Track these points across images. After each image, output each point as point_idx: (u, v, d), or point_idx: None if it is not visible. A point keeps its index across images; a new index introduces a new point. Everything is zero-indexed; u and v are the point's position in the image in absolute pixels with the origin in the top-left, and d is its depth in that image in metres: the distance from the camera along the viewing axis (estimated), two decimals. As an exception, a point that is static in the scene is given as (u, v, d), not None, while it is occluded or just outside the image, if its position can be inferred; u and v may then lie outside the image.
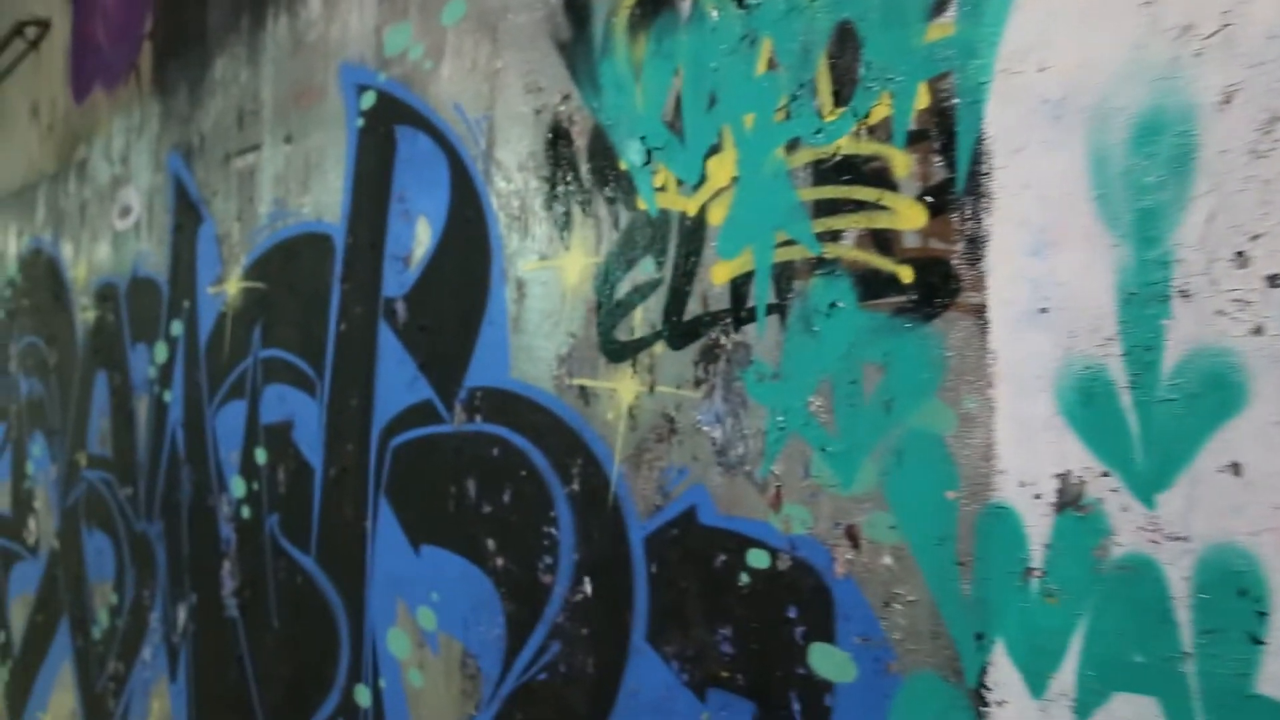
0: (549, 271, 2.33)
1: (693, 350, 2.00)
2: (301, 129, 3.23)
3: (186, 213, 3.89)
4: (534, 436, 2.35)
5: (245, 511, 3.45)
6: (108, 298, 4.52)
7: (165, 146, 4.06)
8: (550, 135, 2.35)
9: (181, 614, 3.82)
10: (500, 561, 2.43)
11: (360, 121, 2.97)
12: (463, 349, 2.56)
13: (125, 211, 4.36)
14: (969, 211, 1.59)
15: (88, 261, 4.72)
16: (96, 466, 4.56)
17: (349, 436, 2.96)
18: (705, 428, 1.97)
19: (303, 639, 3.14)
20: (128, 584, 4.24)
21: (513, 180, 2.44)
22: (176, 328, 3.93)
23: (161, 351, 4.03)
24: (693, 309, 2.00)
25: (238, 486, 3.49)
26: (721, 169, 1.96)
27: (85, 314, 4.74)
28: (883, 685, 1.66)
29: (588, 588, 2.20)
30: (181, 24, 3.97)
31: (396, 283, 2.80)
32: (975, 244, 1.58)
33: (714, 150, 1.97)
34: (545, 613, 2.30)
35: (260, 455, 3.37)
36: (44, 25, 5.11)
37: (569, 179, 2.30)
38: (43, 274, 5.23)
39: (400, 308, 2.78)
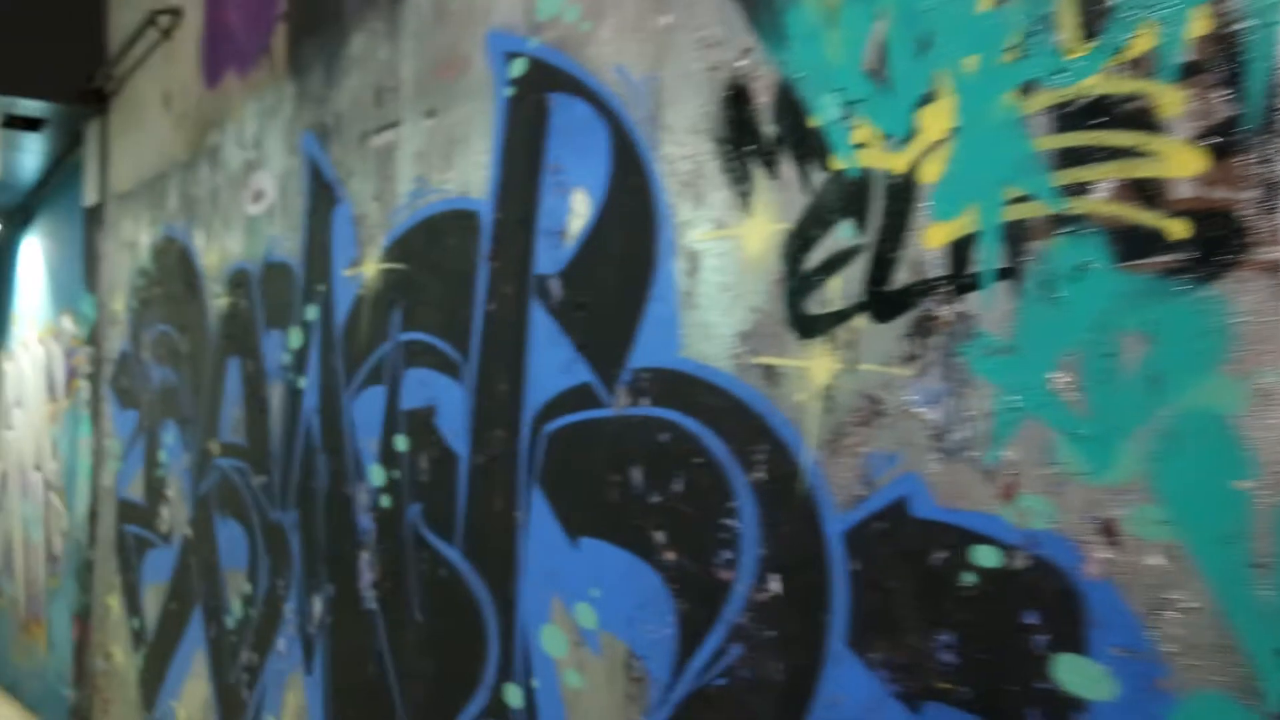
0: (727, 241, 2.14)
1: (902, 323, 1.79)
2: (444, 102, 3.10)
3: (321, 195, 3.80)
4: (710, 420, 2.17)
5: (385, 501, 3.33)
6: (240, 284, 4.47)
7: (299, 128, 3.98)
8: (728, 94, 2.16)
9: (317, 605, 3.74)
10: (671, 556, 2.25)
11: (509, 91, 2.81)
12: (626, 328, 2.39)
13: (258, 196, 4.30)
14: (1263, 153, 1.35)
15: (220, 248, 4.68)
16: (229, 455, 4.52)
17: (498, 422, 2.81)
18: (918, 409, 1.76)
19: (447, 634, 3.01)
20: (261, 573, 4.18)
21: (683, 145, 2.26)
22: (311, 313, 3.84)
23: (295, 337, 3.95)
24: (901, 277, 1.80)
25: (376, 475, 3.38)
26: (937, 120, 1.75)
27: (217, 301, 4.70)
28: (1152, 705, 1.43)
29: (775, 585, 2.01)
30: (316, 3, 3.88)
31: (550, 259, 2.64)
32: (1272, 190, 1.34)
33: (927, 100, 1.76)
34: (724, 612, 2.11)
35: (401, 443, 3.25)
36: (176, 13, 5.10)
37: (750, 140, 2.10)
38: (175, 262, 5.23)
39: (554, 285, 2.62)
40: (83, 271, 6.58)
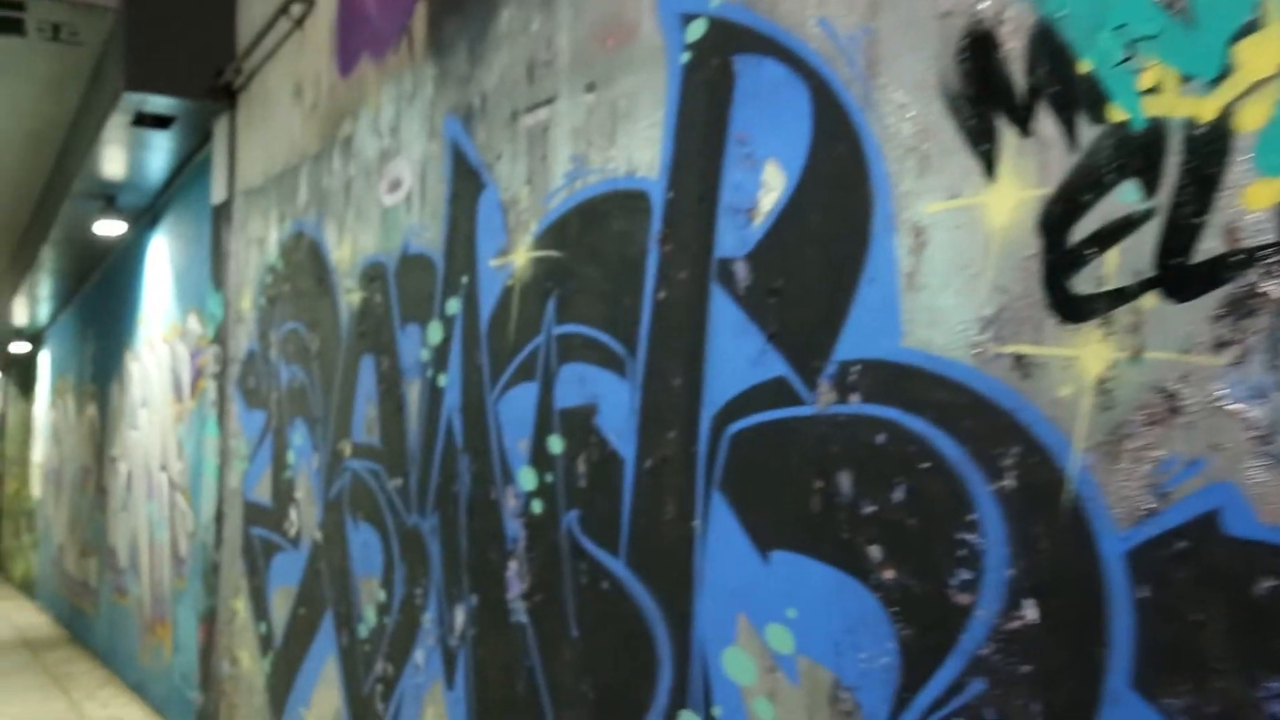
0: (964, 213, 1.85)
1: (1210, 302, 1.48)
2: (607, 74, 2.86)
3: (465, 180, 3.60)
4: (940, 419, 1.88)
5: (536, 506, 3.10)
6: (375, 278, 4.30)
7: (441, 111, 3.78)
8: (966, 43, 1.87)
9: (459, 616, 3.53)
10: (889, 574, 1.96)
11: (686, 56, 2.56)
12: (832, 315, 2.11)
13: (394, 185, 4.12)
14: None
15: (352, 241, 4.52)
16: (362, 456, 4.35)
17: (671, 422, 2.56)
18: (1235, 406, 1.45)
19: (610, 653, 2.76)
20: (397, 581, 4.00)
21: (906, 105, 1.97)
22: (453, 306, 3.64)
23: (436, 332, 3.75)
24: (1209, 246, 1.49)
25: (527, 478, 3.15)
26: (1262, 55, 1.44)
27: (350, 296, 4.54)
28: None
29: (1030, 612, 1.71)
30: (458, -20, 3.68)
31: (736, 240, 2.37)
32: None
33: (1248, 30, 1.45)
34: (961, 641, 1.82)
35: (555, 444, 3.01)
36: (310, 1, 4.97)
37: (995, 95, 1.81)
38: (305, 258, 5.10)
39: (741, 269, 2.35)
40: (210, 270, 6.52)
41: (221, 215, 6.35)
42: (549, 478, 3.04)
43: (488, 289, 3.43)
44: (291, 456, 5.20)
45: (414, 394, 3.91)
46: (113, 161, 7.41)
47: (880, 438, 1.99)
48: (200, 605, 6.46)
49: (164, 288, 8.09)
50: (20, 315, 14.31)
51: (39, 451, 15.36)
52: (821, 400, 2.13)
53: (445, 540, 3.64)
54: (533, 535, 3.12)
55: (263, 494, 5.58)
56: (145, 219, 8.61)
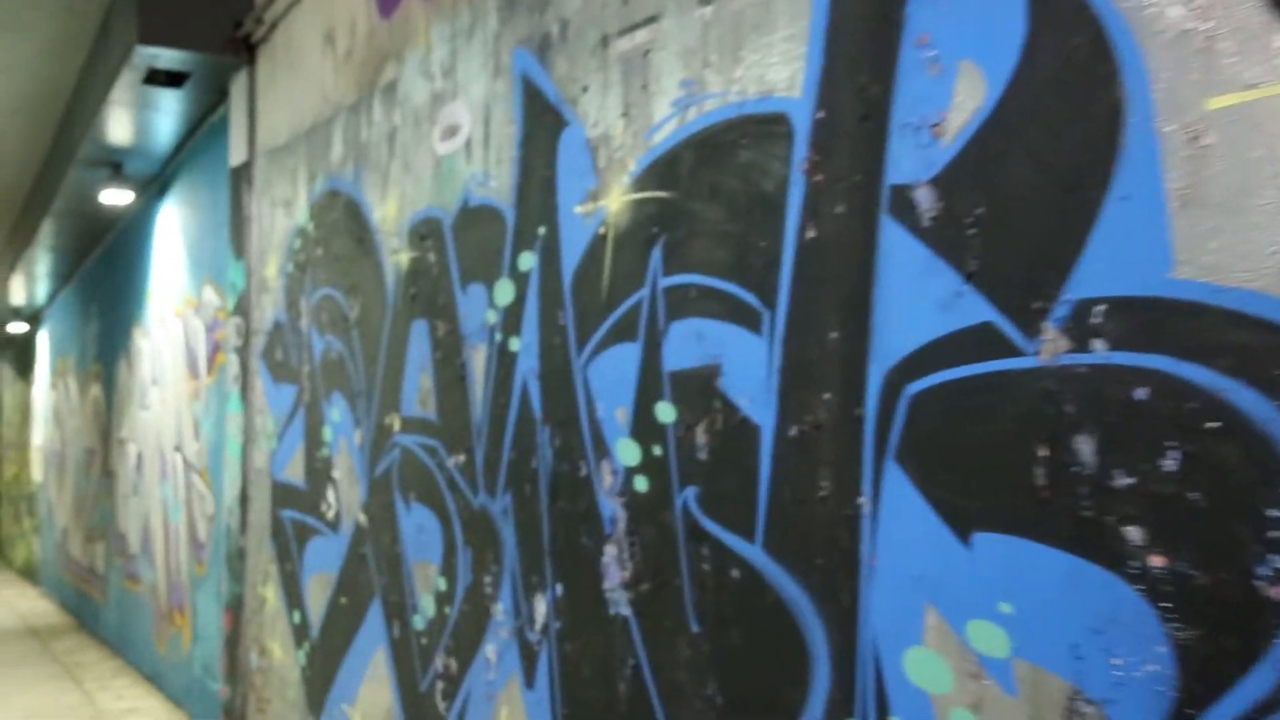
0: (1268, 105, 1.46)
1: None
2: (729, -18, 2.46)
3: (540, 119, 3.20)
4: (1238, 368, 1.49)
5: (640, 483, 2.72)
6: (427, 235, 3.90)
7: (508, 45, 3.38)
8: (1271, -113, 1.48)
9: (541, 607, 3.15)
10: (1158, 561, 1.58)
11: (841, -51, 2.16)
12: (1061, 244, 1.73)
13: (450, 131, 3.72)
14: None
15: (399, 196, 4.12)
16: (414, 430, 3.96)
17: (825, 382, 2.17)
18: None
19: (744, 651, 2.39)
20: (460, 567, 3.62)
21: (1174, -24, 1.58)
22: (527, 261, 3.25)
23: (505, 291, 3.36)
24: None
25: (628, 452, 2.77)
26: None
27: (396, 257, 4.15)
28: None
29: (1390, 611, 1.33)
30: (527, -106, 3.27)
31: (916, 163, 1.99)
32: None
33: None
34: (1274, 648, 1.45)
35: (665, 412, 2.63)
36: (342, -64, 4.56)
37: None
38: (340, 218, 4.70)
39: (924, 197, 1.97)
40: (229, 238, 6.12)
41: (241, 178, 5.94)
42: (657, 450, 2.66)
43: (571, 240, 3.04)
44: (328, 433, 4.81)
45: (479, 361, 3.52)
46: (120, 125, 6.98)
47: (1140, 392, 1.61)
48: (224, 593, 6.08)
49: (175, 259, 7.68)
50: (17, 294, 13.87)
51: (39, 434, 14.95)
52: (1047, 349, 1.75)
53: (521, 523, 3.26)
54: (636, 516, 2.74)
55: (294, 474, 5.20)
56: (153, 188, 8.19)
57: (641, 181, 2.74)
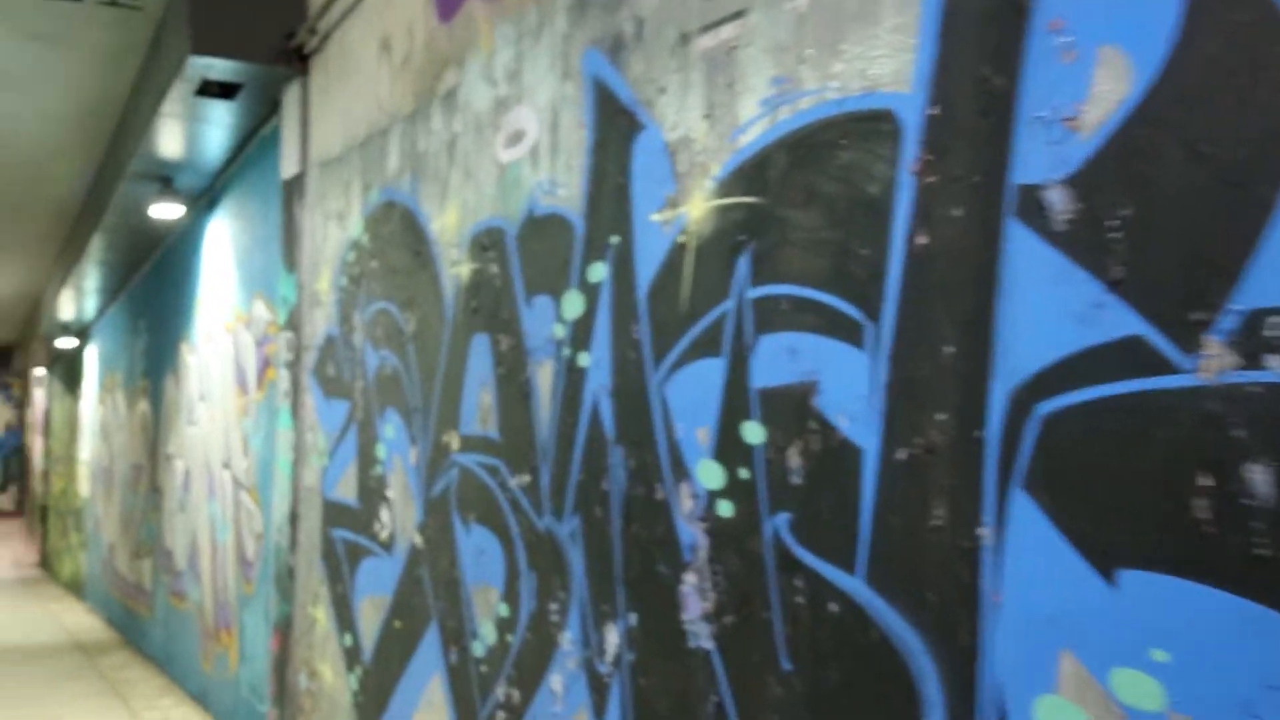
0: None
1: None
2: (826, -28, 2.29)
3: (613, 123, 3.05)
4: None
5: (724, 508, 2.55)
6: (489, 246, 3.76)
7: (578, 46, 3.23)
8: None
9: (612, 637, 2.98)
10: (1353, 607, 1.39)
11: (957, -69, 1.99)
12: (1228, 246, 1.54)
13: (515, 138, 3.58)
14: None
15: (459, 207, 3.99)
16: (475, 449, 3.81)
17: (937, 401, 1.99)
18: None
19: (843, 691, 2.20)
20: (524, 593, 3.46)
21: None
22: (598, 272, 3.09)
23: (574, 304, 3.21)
24: None
25: (710, 474, 2.60)
26: None
27: (456, 269, 4.01)
28: None
29: None
30: (599, -111, 3.13)
31: (1048, 160, 1.81)
32: None
33: None
34: None
35: (753, 432, 2.46)
36: (400, -60, 4.45)
37: None
38: (396, 230, 4.57)
39: (1057, 197, 1.78)
40: (280, 251, 6.02)
41: (293, 191, 5.84)
42: (743, 473, 2.49)
43: (647, 249, 2.88)
44: (381, 451, 4.67)
45: (544, 377, 3.37)
46: (171, 138, 6.93)
47: (1329, 415, 1.42)
48: (273, 613, 5.96)
49: (225, 274, 7.61)
50: (66, 309, 13.93)
51: (86, 449, 15.00)
52: (1210, 366, 1.56)
53: (591, 547, 3.10)
54: (720, 543, 2.57)
55: (346, 492, 5.07)
56: (203, 202, 8.13)
57: (727, 186, 2.58)
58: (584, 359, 3.16)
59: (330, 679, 5.22)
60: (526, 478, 3.47)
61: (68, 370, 17.57)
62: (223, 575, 7.38)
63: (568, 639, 3.21)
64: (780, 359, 2.39)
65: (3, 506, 28.22)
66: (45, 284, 14.47)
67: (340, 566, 5.12)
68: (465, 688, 3.83)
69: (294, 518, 5.75)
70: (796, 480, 2.33)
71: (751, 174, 2.50)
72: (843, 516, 2.20)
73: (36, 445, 22.45)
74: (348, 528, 5.03)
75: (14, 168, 8.90)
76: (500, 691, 3.59)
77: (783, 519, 2.37)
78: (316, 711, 5.38)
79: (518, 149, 3.57)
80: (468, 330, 3.90)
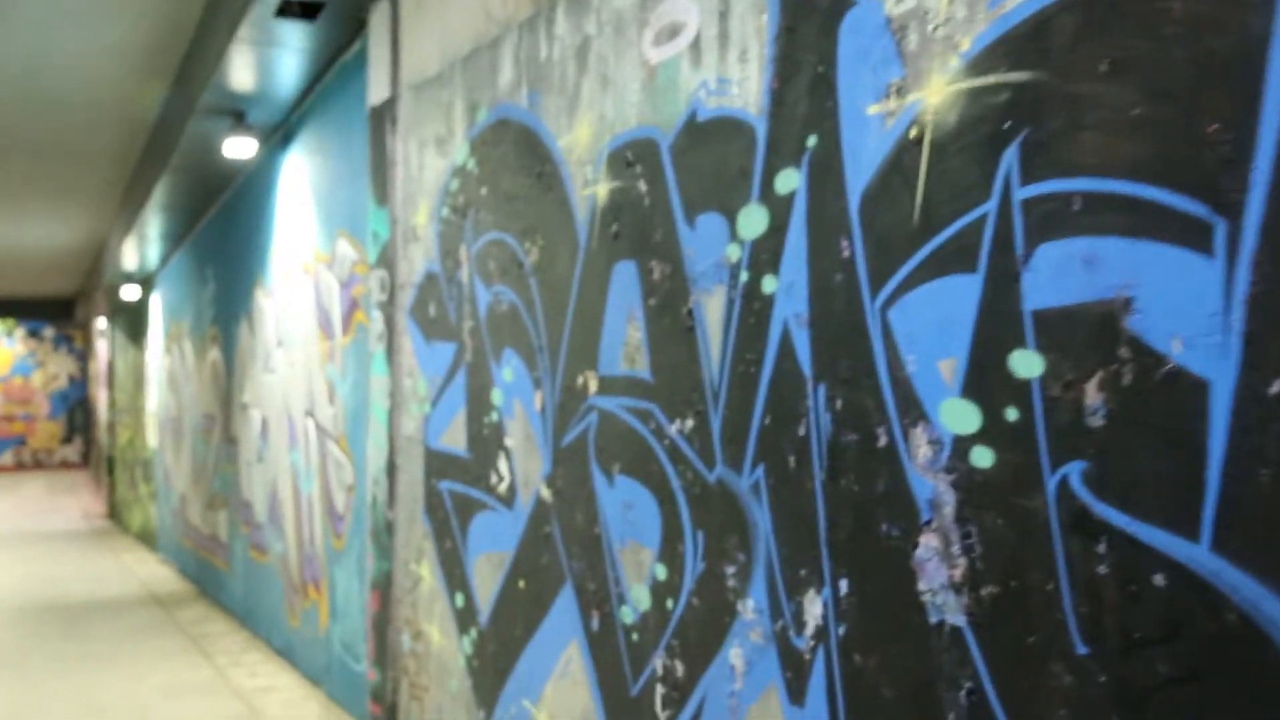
0: None
1: None
2: None
3: (808, 2, 2.57)
4: None
5: (981, 456, 2.10)
6: (635, 161, 3.30)
7: (757, -85, 2.74)
8: None
9: (813, 607, 2.55)
10: None
11: None
12: None
13: (669, 33, 3.11)
14: None
15: (594, 119, 3.53)
16: (618, 391, 3.39)
17: (1342, 316, 1.52)
18: None
19: (1181, 686, 1.75)
20: (688, 553, 3.04)
21: None
22: (788, 181, 2.63)
23: (754, 221, 2.75)
24: None
25: (959, 416, 2.15)
26: None
27: (589, 191, 3.56)
28: None
29: None
30: None
31: None
32: None
33: None
34: None
35: (1026, 363, 2.00)
36: None
37: None
38: (511, 151, 4.12)
39: None
40: (369, 185, 5.60)
41: (383, 117, 5.40)
42: (1011, 414, 2.03)
43: (860, 149, 2.41)
44: (497, 396, 4.26)
45: (713, 307, 2.92)
46: (245, 67, 6.51)
47: None
48: (370, 570, 5.62)
49: (303, 213, 7.21)
50: (130, 258, 13.68)
51: (153, 400, 14.82)
52: None
53: (781, 503, 2.66)
54: (973, 499, 2.12)
55: (454, 442, 4.67)
56: (277, 138, 7.73)
57: (982, 64, 2.10)
58: (769, 284, 2.70)
59: (438, 640, 4.86)
60: (690, 423, 3.03)
61: (131, 320, 17.40)
62: (308, 529, 7.06)
63: (750, 607, 2.79)
64: (1070, 272, 1.92)
65: (69, 458, 28.43)
66: (108, 232, 14.22)
67: (448, 521, 4.74)
68: (611, 657, 3.44)
69: (392, 469, 5.37)
70: (1097, 422, 1.87)
71: (1021, 45, 2.02)
72: (1175, 468, 1.75)
73: (100, 397, 22.45)
74: (457, 480, 4.65)
75: (76, 109, 8.54)
76: (658, 663, 3.19)
77: (1075, 469, 1.91)
78: (423, 674, 5.03)
79: (672, 46, 3.10)
80: (607, 258, 3.45)
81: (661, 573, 3.17)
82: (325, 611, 6.69)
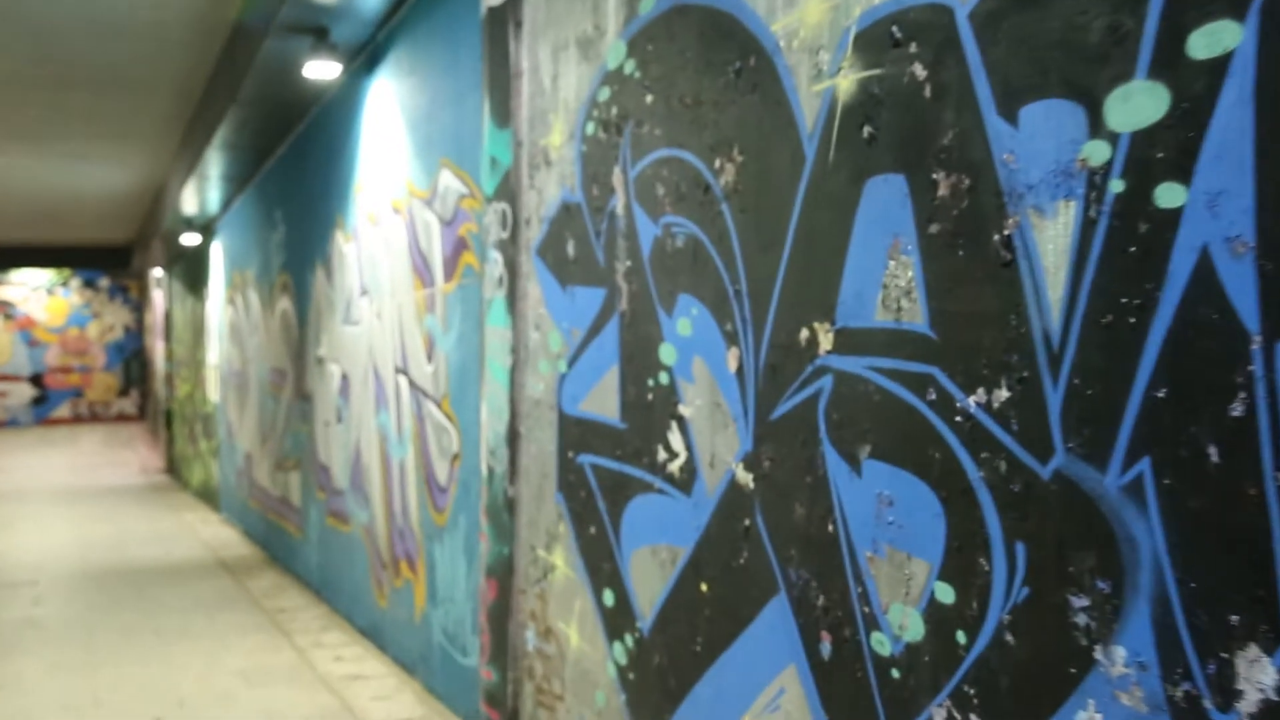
0: None
1: None
2: None
3: None
4: None
5: None
6: (908, 38, 2.44)
7: None
8: None
9: (1260, 673, 1.72)
10: None
11: None
12: None
13: None
14: None
15: (834, -11, 2.67)
16: (871, 348, 2.56)
17: None
18: None
19: None
20: (998, 572, 2.21)
21: None
22: (1215, 39, 1.77)
23: (1141, 104, 1.89)
24: None
25: None
26: None
27: (826, 84, 2.70)
28: None
29: None
30: None
31: None
32: None
33: None
34: None
35: None
36: None
37: None
38: (692, 45, 3.27)
39: None
40: (484, 103, 4.77)
41: (505, 19, 4.56)
42: None
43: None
44: (668, 353, 3.45)
45: (1052, 232, 2.07)
46: (331, -25, 5.69)
47: None
48: (484, 552, 4.85)
49: (394, 143, 6.40)
50: (190, 203, 12.97)
51: (214, 353, 14.20)
52: None
53: (1189, 513, 1.83)
54: None
55: (601, 408, 3.87)
56: (361, 60, 6.91)
57: None
58: (1170, 195, 1.85)
59: (577, 643, 4.09)
60: (1003, 393, 2.20)
61: (190, 269, 16.78)
62: (400, 499, 6.32)
63: (1118, 657, 1.96)
64: None
65: (125, 410, 28.12)
66: (167, 175, 13.52)
67: (592, 503, 3.95)
68: (851, 696, 2.63)
69: (513, 437, 4.59)
70: None
71: None
72: None
73: (157, 348, 21.96)
74: (605, 454, 3.85)
75: (138, 34, 7.76)
76: (937, 714, 2.38)
77: None
78: (554, 679, 4.27)
79: None
80: (853, 172, 2.61)
81: (946, 594, 2.35)
82: (422, 593, 5.95)
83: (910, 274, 2.44)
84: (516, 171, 4.52)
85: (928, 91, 2.38)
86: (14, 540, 11.42)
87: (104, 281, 27.64)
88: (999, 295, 2.20)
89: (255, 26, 6.73)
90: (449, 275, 5.48)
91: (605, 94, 3.81)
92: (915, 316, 2.43)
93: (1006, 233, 2.18)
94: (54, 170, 13.40)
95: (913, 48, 2.43)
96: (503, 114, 4.60)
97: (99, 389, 27.82)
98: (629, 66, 3.65)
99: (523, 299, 4.51)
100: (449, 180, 5.44)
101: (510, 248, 4.57)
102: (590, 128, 3.91)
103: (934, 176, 2.37)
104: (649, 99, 3.53)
